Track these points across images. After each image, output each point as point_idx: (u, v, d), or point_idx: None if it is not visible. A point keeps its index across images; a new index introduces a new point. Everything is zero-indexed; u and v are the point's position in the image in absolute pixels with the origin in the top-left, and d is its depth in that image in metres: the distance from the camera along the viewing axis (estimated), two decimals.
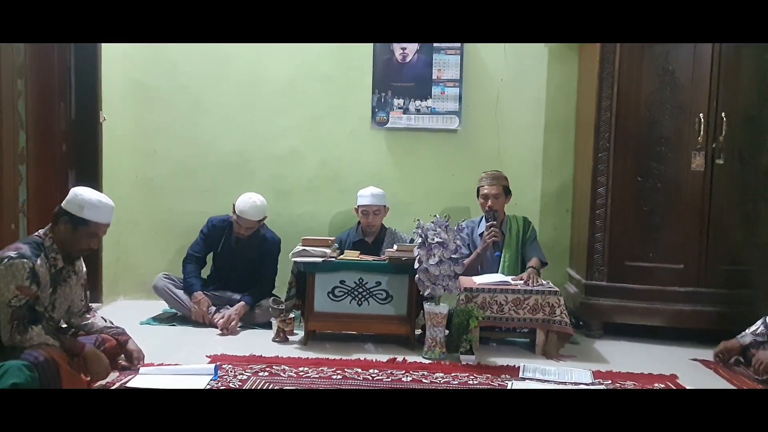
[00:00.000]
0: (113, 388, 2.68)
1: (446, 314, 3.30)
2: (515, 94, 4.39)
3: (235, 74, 4.46)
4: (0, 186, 3.20)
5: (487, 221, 3.81)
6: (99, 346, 2.79)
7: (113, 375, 2.81)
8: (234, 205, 3.91)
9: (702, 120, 3.61)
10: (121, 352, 2.94)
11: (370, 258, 3.62)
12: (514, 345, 3.59)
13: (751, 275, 3.64)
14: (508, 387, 2.85)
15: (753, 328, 3.24)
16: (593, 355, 3.48)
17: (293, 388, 2.75)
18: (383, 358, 3.26)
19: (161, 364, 2.98)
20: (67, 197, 2.67)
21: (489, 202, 3.83)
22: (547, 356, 3.37)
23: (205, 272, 4.13)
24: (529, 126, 4.41)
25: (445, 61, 4.33)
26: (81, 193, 2.67)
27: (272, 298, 3.87)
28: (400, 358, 3.26)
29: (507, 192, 3.90)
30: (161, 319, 3.96)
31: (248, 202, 3.88)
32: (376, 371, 3.04)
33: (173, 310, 4.04)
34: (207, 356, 3.18)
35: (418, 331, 3.51)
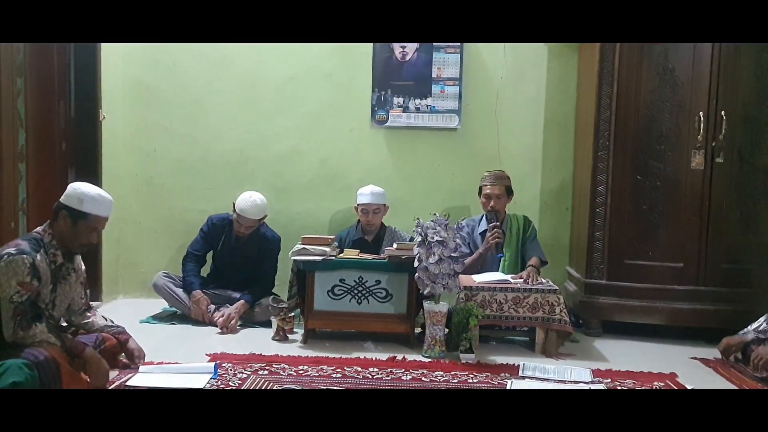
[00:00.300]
0: (113, 387, 2.68)
1: (446, 313, 3.31)
2: (515, 93, 4.40)
3: (235, 73, 4.46)
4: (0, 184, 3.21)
5: (489, 221, 3.81)
6: (99, 344, 2.80)
7: (113, 374, 2.81)
8: (234, 204, 3.91)
9: (702, 118, 3.61)
10: (122, 350, 2.95)
11: (369, 256, 3.62)
12: (514, 343, 3.59)
13: (751, 274, 3.64)
14: (508, 386, 2.85)
15: (755, 324, 3.25)
16: (593, 353, 3.48)
17: (293, 387, 2.75)
18: (383, 356, 3.27)
19: (161, 363, 2.98)
20: (66, 192, 2.68)
21: (491, 203, 3.83)
22: (546, 355, 3.37)
23: (205, 271, 4.13)
24: (529, 124, 4.41)
25: (445, 59, 4.33)
26: (79, 187, 2.70)
27: (272, 296, 3.87)
28: (399, 357, 3.26)
29: (509, 192, 3.90)
30: (161, 318, 3.97)
31: (248, 200, 3.88)
32: (375, 370, 3.04)
33: (173, 309, 4.04)
34: (207, 354, 3.18)
35: (417, 330, 3.52)
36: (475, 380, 2.95)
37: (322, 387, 2.77)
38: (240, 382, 2.80)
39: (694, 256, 3.67)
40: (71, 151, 4.06)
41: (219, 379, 2.81)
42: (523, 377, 2.97)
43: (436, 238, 3.22)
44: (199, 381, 2.74)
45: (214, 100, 4.48)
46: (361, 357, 3.25)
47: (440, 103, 4.36)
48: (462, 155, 4.42)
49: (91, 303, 3.04)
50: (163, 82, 4.46)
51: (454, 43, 4.29)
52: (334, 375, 2.95)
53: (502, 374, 3.02)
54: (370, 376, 2.96)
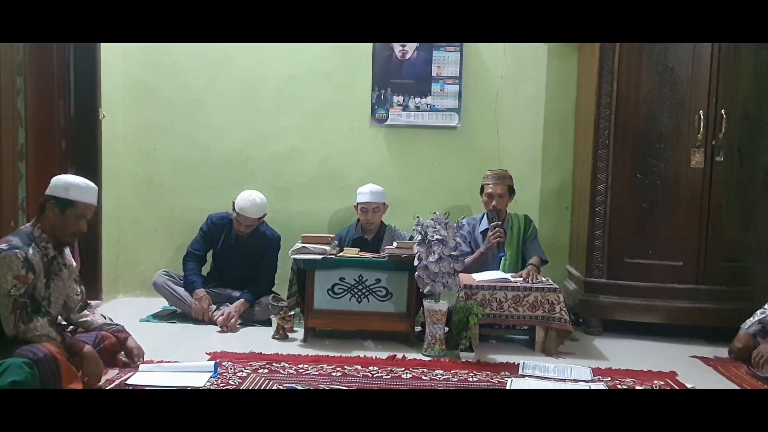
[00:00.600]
0: (113, 386, 2.68)
1: (446, 311, 3.31)
2: (515, 91, 4.40)
3: (235, 72, 4.46)
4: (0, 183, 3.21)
5: (490, 220, 3.81)
6: (98, 343, 2.80)
7: (113, 372, 2.82)
8: (234, 203, 3.91)
9: (701, 117, 3.60)
10: (121, 349, 2.95)
11: (369, 255, 3.62)
12: (514, 342, 3.60)
13: (751, 272, 3.64)
14: (508, 384, 2.85)
15: (758, 317, 3.23)
16: (593, 352, 3.48)
17: (293, 386, 2.75)
18: (383, 355, 3.27)
19: (161, 361, 2.98)
20: (51, 184, 2.73)
21: (494, 202, 3.82)
22: (546, 353, 3.37)
23: (205, 269, 4.13)
24: (529, 123, 4.41)
25: (445, 58, 4.33)
26: (63, 177, 2.77)
27: (272, 295, 3.88)
28: (399, 355, 3.26)
29: (511, 191, 3.90)
30: (161, 316, 3.97)
31: (248, 199, 3.88)
32: (375, 368, 3.04)
33: (173, 308, 4.05)
34: (207, 353, 3.19)
35: (417, 328, 3.52)
36: (475, 379, 2.95)
37: (322, 386, 2.77)
38: (240, 380, 2.80)
39: (694, 255, 3.67)
40: (71, 150, 4.06)
41: (219, 378, 2.81)
42: (523, 376, 2.97)
43: (436, 236, 3.23)
44: (199, 380, 2.75)
45: (214, 100, 4.49)
46: (361, 355, 3.25)
47: (440, 101, 4.35)
48: (462, 154, 4.42)
49: (90, 302, 3.04)
50: (163, 81, 4.46)
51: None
52: (334, 374, 2.95)
53: (502, 373, 3.02)
54: (370, 375, 2.96)
